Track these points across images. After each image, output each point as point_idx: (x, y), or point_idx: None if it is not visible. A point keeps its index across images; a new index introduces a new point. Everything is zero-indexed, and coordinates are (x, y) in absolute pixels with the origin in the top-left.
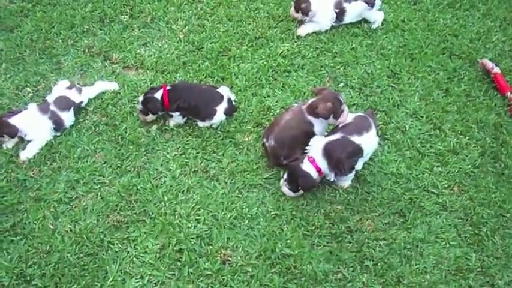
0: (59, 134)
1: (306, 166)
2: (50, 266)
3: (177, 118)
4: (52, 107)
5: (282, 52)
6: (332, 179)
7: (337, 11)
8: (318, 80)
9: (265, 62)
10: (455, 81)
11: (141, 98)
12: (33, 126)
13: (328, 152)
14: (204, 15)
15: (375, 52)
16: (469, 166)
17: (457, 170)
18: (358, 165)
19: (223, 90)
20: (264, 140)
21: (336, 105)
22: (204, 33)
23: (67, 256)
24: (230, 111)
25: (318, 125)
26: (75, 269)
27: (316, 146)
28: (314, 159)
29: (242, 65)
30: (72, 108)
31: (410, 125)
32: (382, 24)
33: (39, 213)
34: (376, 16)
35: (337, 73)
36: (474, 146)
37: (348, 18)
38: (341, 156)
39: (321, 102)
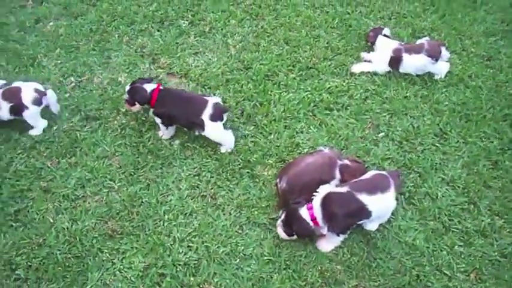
0: None
1: (303, 212)
2: (37, 259)
3: (162, 130)
4: None
5: (329, 87)
6: (324, 233)
7: (392, 55)
8: (358, 125)
9: (309, 95)
10: (508, 154)
11: (127, 87)
12: None
13: (326, 203)
14: (262, 34)
15: (429, 105)
16: (496, 253)
17: (481, 254)
18: (373, 226)
19: (212, 99)
20: (277, 180)
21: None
22: (256, 52)
23: (56, 253)
24: (217, 117)
25: (336, 183)
26: (59, 268)
27: (319, 194)
28: (312, 207)
29: (284, 94)
30: (10, 102)
31: (443, 193)
32: (445, 76)
33: (44, 205)
34: (440, 68)
35: (380, 121)
36: (508, 231)
37: (405, 68)
38: (337, 212)
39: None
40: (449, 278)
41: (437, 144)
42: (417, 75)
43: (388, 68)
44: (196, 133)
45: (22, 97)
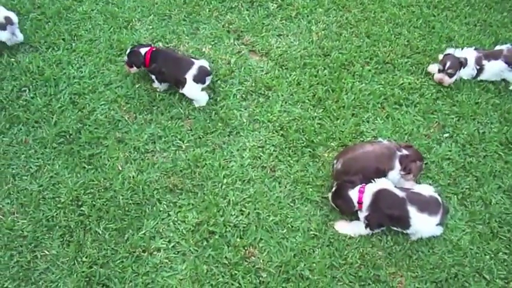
0: None
1: (353, 193)
2: (101, 200)
3: (156, 83)
4: None
5: (402, 83)
6: (361, 218)
7: (478, 67)
8: (424, 123)
9: (381, 88)
10: None
11: (128, 50)
12: None
13: (379, 196)
14: (346, 25)
15: (498, 114)
16: None
17: None
18: (412, 236)
19: (199, 62)
20: (334, 161)
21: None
22: (337, 41)
23: (119, 198)
24: (199, 79)
25: (395, 174)
26: (119, 211)
27: (378, 184)
28: (364, 191)
29: (357, 84)
30: None
31: (497, 200)
32: None
33: (116, 153)
34: None
35: (447, 122)
36: None
37: (484, 76)
38: (383, 209)
39: (411, 160)
40: (488, 282)
41: (501, 153)
42: (492, 83)
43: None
44: (180, 91)
45: None
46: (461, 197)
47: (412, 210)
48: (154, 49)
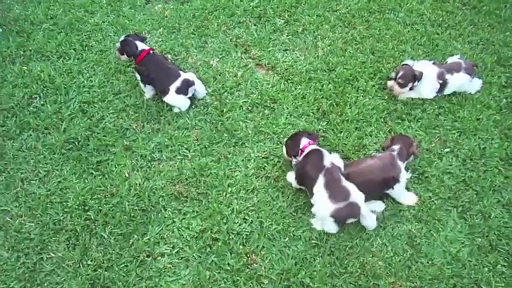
0: None
1: (304, 140)
2: (107, 206)
3: (141, 86)
4: None
5: (405, 99)
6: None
7: (440, 82)
8: (426, 137)
9: (384, 103)
10: None
11: (122, 38)
12: None
13: (315, 152)
14: (351, 42)
15: (499, 130)
16: None
17: None
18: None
19: (186, 75)
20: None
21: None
22: (342, 57)
23: (125, 203)
24: (182, 90)
25: (404, 173)
26: (125, 216)
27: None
28: (311, 144)
29: (361, 98)
30: None
31: (497, 214)
32: None
33: (123, 161)
34: (474, 85)
35: (449, 137)
36: None
37: (449, 90)
38: (306, 163)
39: (408, 146)
40: None
41: (501, 168)
42: (494, 100)
43: (434, 95)
44: (162, 98)
45: None
46: (461, 210)
47: (321, 188)
48: (150, 52)
